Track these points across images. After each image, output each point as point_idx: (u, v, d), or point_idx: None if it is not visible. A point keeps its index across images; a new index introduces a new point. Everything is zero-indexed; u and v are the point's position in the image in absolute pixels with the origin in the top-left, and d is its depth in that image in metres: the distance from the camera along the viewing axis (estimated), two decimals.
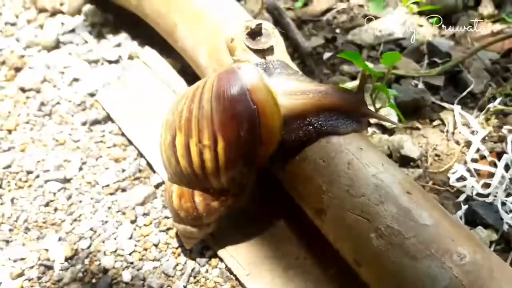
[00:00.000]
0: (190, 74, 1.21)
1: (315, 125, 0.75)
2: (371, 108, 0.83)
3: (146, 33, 1.27)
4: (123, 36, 1.33)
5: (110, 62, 1.27)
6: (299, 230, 0.88)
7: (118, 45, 1.31)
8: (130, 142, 1.09)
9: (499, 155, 1.01)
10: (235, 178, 0.77)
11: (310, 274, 0.83)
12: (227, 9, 0.99)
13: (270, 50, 0.85)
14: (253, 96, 0.73)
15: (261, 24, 0.85)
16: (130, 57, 1.27)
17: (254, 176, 0.79)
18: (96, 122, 1.14)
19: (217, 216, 0.81)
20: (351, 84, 1.07)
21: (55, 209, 0.98)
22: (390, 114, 1.05)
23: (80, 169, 1.05)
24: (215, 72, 0.93)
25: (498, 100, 1.09)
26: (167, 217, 0.96)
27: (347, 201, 0.71)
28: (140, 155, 1.07)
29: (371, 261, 0.69)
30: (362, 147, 0.75)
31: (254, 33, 0.86)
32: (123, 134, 1.11)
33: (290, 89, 0.78)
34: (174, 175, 0.80)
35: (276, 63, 0.83)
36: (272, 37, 0.86)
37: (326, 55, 1.25)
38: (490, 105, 1.07)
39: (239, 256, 0.87)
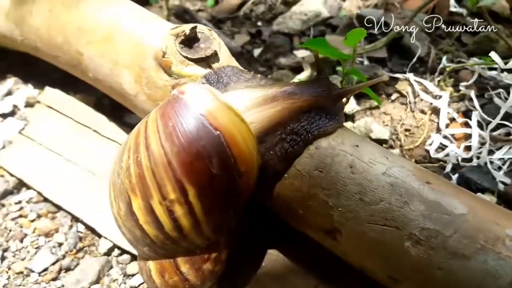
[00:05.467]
0: (107, 106, 1.02)
1: (300, 131, 0.62)
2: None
3: (41, 71, 1.05)
4: (12, 81, 1.09)
5: (4, 116, 1.02)
6: (303, 260, 0.74)
7: (9, 93, 1.07)
8: (58, 207, 0.88)
9: (466, 114, 0.96)
10: (222, 226, 0.61)
11: None
12: (142, 20, 0.82)
13: (214, 56, 0.70)
14: (211, 120, 0.58)
15: (195, 27, 0.70)
16: (29, 104, 1.04)
17: (243, 215, 0.63)
18: (6, 193, 0.90)
19: (215, 279, 0.65)
20: (302, 76, 0.96)
21: None
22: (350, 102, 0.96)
23: (3, 258, 0.81)
24: (150, 98, 0.76)
25: (444, 58, 1.05)
26: None
27: (364, 212, 0.58)
28: (75, 219, 0.86)
29: (413, 274, 0.57)
30: (357, 144, 0.63)
31: (190, 40, 0.71)
32: (46, 200, 0.89)
33: (256, 99, 0.63)
34: (145, 249, 0.62)
35: (228, 70, 0.68)
36: (213, 40, 0.71)
37: (256, 51, 1.12)
38: (442, 66, 1.02)
39: None
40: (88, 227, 0.85)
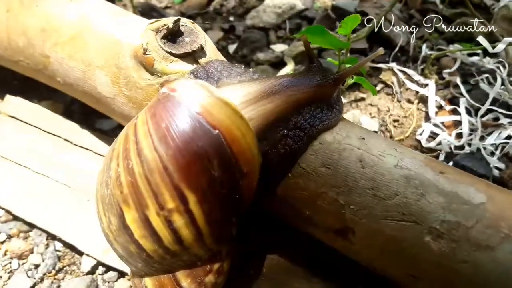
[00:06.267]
0: (78, 113, 0.95)
1: (303, 125, 0.58)
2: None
3: None
4: None
5: None
6: (306, 263, 0.69)
7: None
8: (31, 225, 0.79)
9: (452, 101, 0.95)
10: (225, 235, 0.55)
11: None
12: (113, 15, 0.75)
13: (200, 51, 0.65)
14: (208, 118, 0.52)
15: (179, 19, 0.64)
16: None
17: (244, 219, 0.58)
18: None
19: None
20: (286, 70, 0.92)
21: None
22: None
23: None
24: (130, 100, 0.70)
25: (424, 46, 1.03)
26: None
27: (379, 208, 0.55)
28: (52, 237, 0.78)
29: (435, 269, 0.54)
30: (363, 136, 0.59)
31: (172, 34, 0.65)
32: (16, 218, 0.80)
33: (252, 95, 0.58)
34: (140, 265, 0.55)
35: (217, 64, 0.63)
36: (197, 33, 0.66)
37: (231, 47, 1.07)
38: (423, 54, 1.00)
39: None
40: (67, 245, 0.77)
